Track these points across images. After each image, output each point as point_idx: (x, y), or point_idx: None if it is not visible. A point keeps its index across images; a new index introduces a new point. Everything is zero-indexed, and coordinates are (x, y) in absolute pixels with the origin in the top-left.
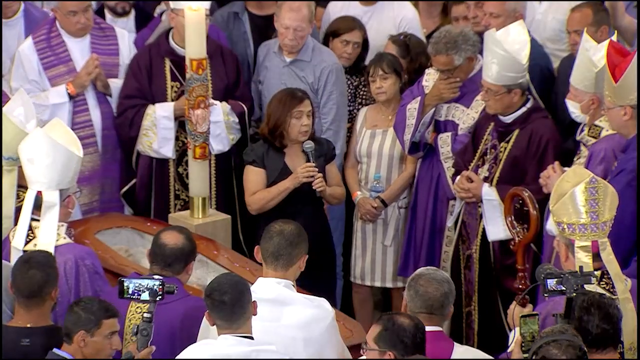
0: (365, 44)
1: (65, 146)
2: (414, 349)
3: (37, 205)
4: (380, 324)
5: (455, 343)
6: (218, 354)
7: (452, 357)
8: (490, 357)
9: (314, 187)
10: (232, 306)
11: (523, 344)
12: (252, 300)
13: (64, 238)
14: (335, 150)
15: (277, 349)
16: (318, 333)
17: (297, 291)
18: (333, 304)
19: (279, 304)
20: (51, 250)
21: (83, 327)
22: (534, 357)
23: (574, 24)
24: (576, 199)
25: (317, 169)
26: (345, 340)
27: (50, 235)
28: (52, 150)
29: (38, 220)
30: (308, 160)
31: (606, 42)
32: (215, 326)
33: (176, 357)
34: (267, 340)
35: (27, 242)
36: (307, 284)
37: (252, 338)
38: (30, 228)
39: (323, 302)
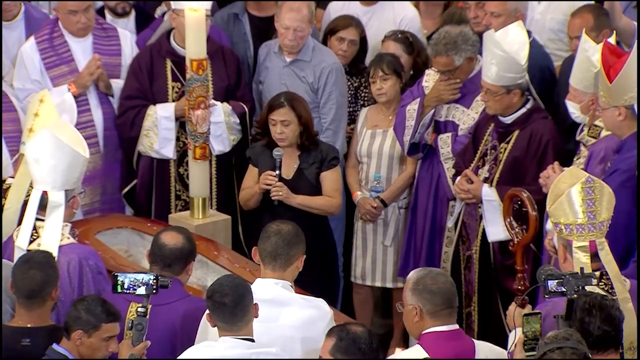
0: (363, 43)
1: (72, 147)
2: (371, 355)
3: (42, 205)
4: (334, 335)
5: (472, 339)
6: (218, 355)
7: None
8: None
9: (270, 196)
10: (233, 308)
11: (525, 343)
12: (254, 302)
13: (68, 238)
14: (337, 158)
15: (276, 350)
16: (316, 333)
17: (296, 292)
18: (334, 305)
19: (277, 305)
20: (55, 250)
21: (82, 327)
22: None
23: (575, 29)
24: (573, 199)
25: (276, 178)
26: None
27: (54, 235)
28: (58, 150)
29: (42, 220)
30: (274, 167)
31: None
32: (216, 327)
33: (176, 358)
34: (264, 340)
35: (31, 242)
36: (307, 286)
37: (252, 340)
38: (35, 228)
39: (321, 303)
